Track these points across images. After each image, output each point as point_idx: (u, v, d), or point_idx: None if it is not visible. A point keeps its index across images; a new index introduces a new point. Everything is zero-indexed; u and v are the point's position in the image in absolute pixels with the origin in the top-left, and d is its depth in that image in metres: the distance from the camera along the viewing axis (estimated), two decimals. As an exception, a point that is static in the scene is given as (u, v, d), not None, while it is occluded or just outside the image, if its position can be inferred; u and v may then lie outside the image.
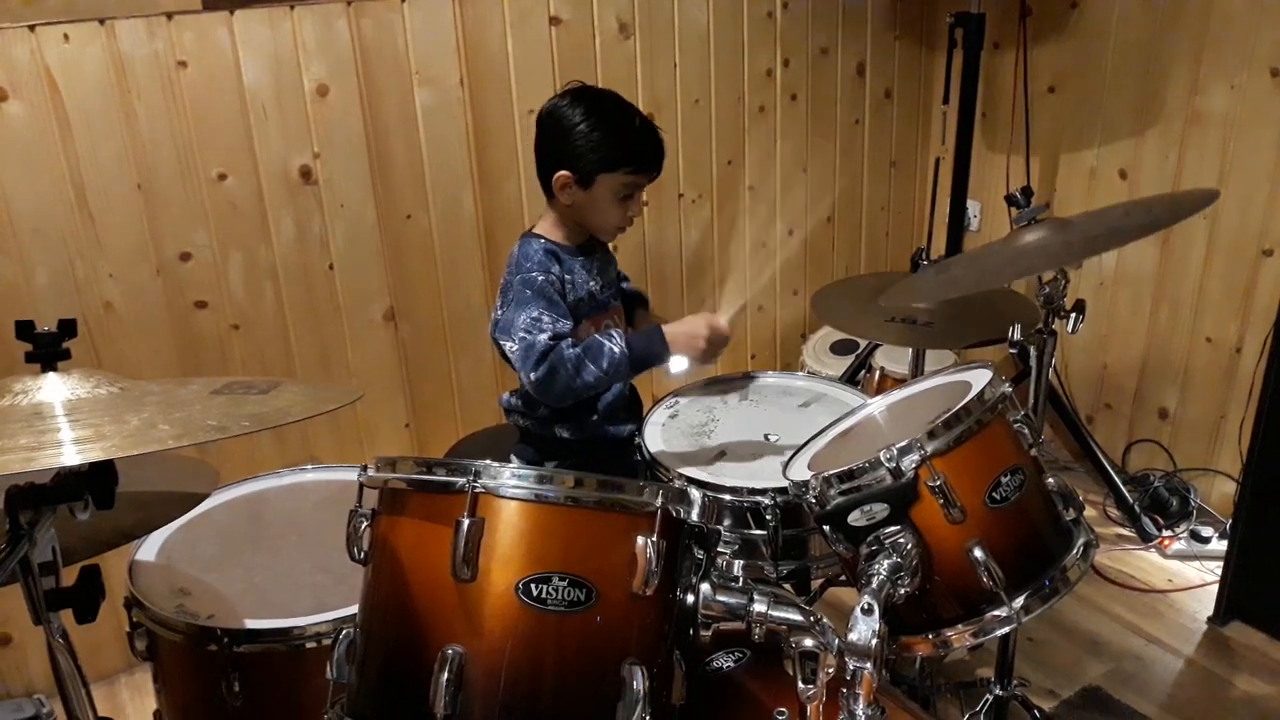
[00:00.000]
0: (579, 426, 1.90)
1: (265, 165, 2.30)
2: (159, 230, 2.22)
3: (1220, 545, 2.59)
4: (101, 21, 2.05)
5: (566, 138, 1.77)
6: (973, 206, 3.23)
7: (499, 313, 1.80)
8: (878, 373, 2.90)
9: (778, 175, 3.11)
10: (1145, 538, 2.76)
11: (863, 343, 3.01)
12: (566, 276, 1.82)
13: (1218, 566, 2.50)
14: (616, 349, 1.72)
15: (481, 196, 2.59)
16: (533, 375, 1.71)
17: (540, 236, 1.86)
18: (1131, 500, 2.81)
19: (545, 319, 1.74)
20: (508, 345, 1.76)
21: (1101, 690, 2.25)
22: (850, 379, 2.90)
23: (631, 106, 1.82)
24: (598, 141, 1.75)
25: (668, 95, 2.80)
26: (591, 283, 1.87)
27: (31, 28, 1.98)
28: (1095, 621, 2.48)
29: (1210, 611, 2.47)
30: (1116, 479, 2.85)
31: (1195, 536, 2.73)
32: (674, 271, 2.95)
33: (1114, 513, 2.88)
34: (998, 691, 2.01)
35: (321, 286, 2.44)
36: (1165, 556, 2.71)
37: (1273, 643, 2.37)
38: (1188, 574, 2.65)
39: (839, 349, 3.12)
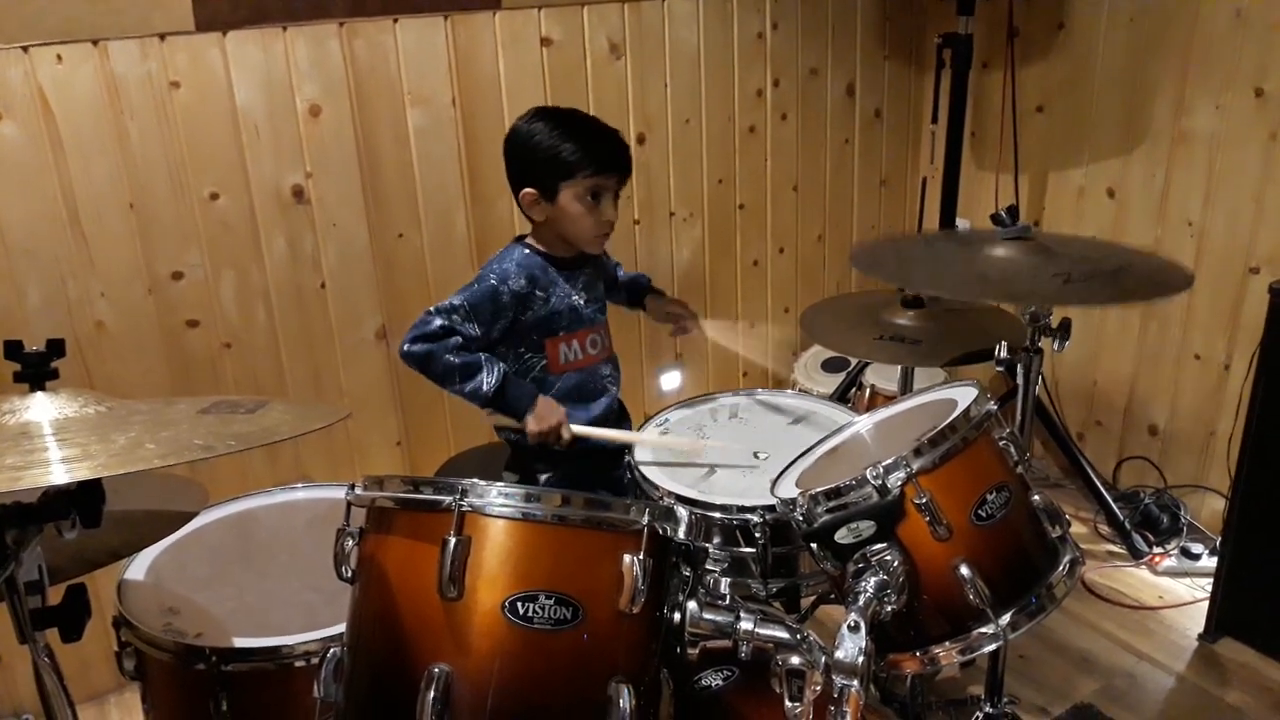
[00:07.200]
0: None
1: (257, 185, 2.30)
2: (151, 250, 2.22)
3: (1210, 562, 2.59)
4: (95, 43, 2.06)
5: (525, 155, 1.82)
6: (962, 224, 3.24)
7: None
8: (868, 390, 2.91)
9: (768, 194, 3.12)
10: (1136, 555, 2.77)
11: (853, 360, 3.02)
12: (540, 293, 1.84)
13: (1208, 583, 2.51)
14: (485, 386, 1.77)
15: (474, 215, 2.60)
16: (407, 346, 1.78)
17: (530, 245, 1.89)
18: (1122, 517, 2.82)
19: (459, 313, 1.78)
20: None
21: (1093, 707, 2.25)
22: (841, 396, 2.91)
23: (588, 116, 1.86)
24: (553, 153, 1.78)
25: (658, 115, 2.82)
26: (575, 297, 1.89)
27: (25, 49, 1.99)
28: (1086, 639, 2.48)
29: (1201, 628, 2.47)
30: (1107, 496, 2.86)
31: (1186, 553, 2.73)
32: (665, 289, 2.95)
33: (1105, 530, 2.88)
34: (988, 709, 2.00)
35: (313, 305, 2.45)
36: (1156, 573, 2.72)
37: (1263, 659, 2.37)
38: (1178, 591, 2.65)
39: (830, 366, 3.13)
